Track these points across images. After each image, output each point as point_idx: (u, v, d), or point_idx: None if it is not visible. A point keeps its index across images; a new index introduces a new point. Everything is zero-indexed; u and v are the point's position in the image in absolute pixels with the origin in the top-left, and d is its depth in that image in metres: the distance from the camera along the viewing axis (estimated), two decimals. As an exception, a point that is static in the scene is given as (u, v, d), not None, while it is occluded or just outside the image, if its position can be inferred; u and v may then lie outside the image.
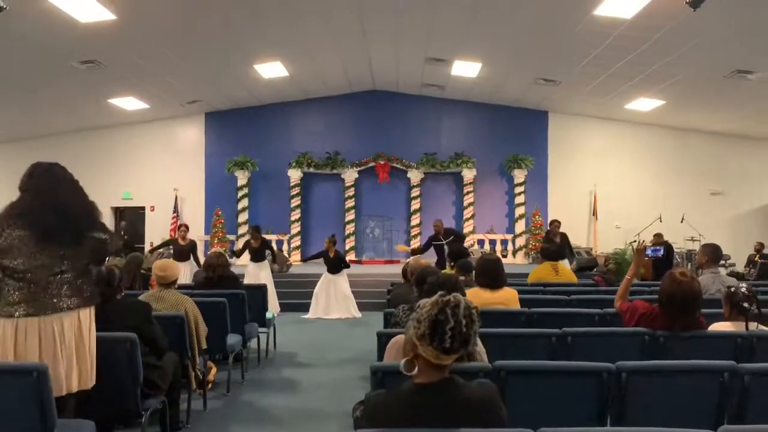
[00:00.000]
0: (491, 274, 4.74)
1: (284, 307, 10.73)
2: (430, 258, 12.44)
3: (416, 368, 1.97)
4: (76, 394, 3.31)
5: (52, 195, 3.21)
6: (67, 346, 3.19)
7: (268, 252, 10.60)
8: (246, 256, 10.62)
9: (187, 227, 10.97)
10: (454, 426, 1.92)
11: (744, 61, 10.99)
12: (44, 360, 3.07)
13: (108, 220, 16.32)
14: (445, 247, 10.24)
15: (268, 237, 15.46)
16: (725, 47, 10.38)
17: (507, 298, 4.64)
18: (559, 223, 10.29)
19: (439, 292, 2.02)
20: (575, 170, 16.78)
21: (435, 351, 1.92)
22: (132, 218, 16.84)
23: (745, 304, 3.62)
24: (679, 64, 11.34)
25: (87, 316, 3.32)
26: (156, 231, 16.63)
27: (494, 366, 2.78)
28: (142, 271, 7.05)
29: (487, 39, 11.75)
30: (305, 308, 11.05)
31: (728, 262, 13.86)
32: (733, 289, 3.74)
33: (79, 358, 3.25)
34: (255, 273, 10.33)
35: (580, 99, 15.18)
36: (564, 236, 10.16)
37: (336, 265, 10.66)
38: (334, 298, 10.60)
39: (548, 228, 10.83)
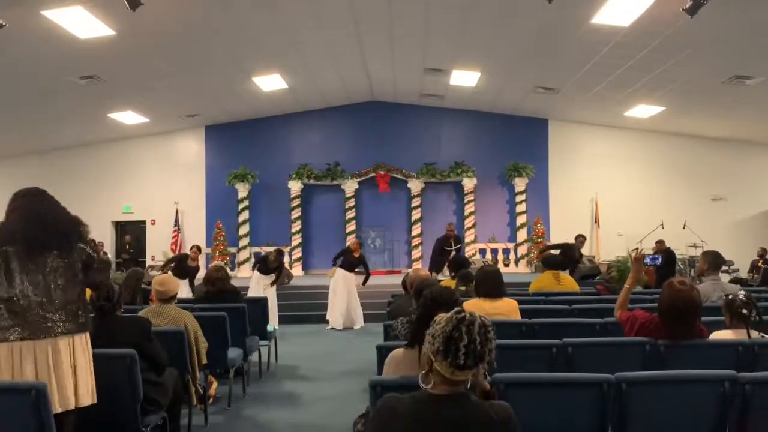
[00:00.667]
0: (491, 284, 4.74)
1: (284, 320, 10.70)
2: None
3: (432, 382, 2.00)
4: (75, 412, 3.31)
5: (37, 209, 3.29)
6: (64, 367, 3.20)
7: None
8: (248, 269, 10.60)
9: (199, 248, 10.91)
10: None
11: (742, 67, 11.00)
12: (41, 379, 3.09)
13: (109, 233, 16.38)
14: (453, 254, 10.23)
15: (269, 249, 15.49)
16: (723, 53, 10.40)
17: (507, 309, 4.63)
18: (584, 238, 10.29)
19: (455, 309, 2.04)
20: (576, 178, 16.77)
21: (449, 367, 1.94)
22: (133, 232, 16.84)
23: (744, 311, 3.60)
24: (677, 70, 11.36)
25: (82, 340, 3.34)
26: (157, 244, 16.64)
27: (494, 378, 2.77)
28: (142, 285, 7.03)
29: (485, 48, 11.79)
30: (306, 320, 11.06)
31: (731, 267, 13.81)
32: (731, 297, 3.72)
33: (77, 377, 3.26)
34: (259, 285, 10.31)
35: (580, 106, 15.20)
36: (581, 254, 10.20)
37: (356, 265, 10.74)
38: (348, 304, 10.66)
39: (575, 241, 10.84)
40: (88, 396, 3.32)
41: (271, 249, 14.55)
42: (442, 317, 2.03)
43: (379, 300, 11.05)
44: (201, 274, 10.14)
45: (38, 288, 3.19)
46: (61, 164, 16.41)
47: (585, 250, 15.86)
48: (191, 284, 10.31)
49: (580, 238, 10.39)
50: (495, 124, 16.89)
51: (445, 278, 8.20)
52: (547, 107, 15.76)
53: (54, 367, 3.17)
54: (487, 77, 13.65)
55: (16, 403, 2.86)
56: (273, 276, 10.33)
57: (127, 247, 15.95)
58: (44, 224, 3.25)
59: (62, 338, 3.21)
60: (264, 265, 10.46)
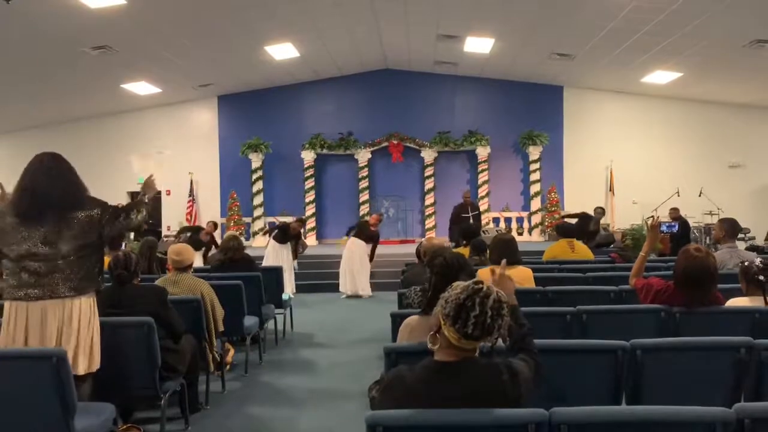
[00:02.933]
0: (505, 252, 4.72)
1: (299, 288, 10.79)
2: (445, 236, 12.44)
3: (438, 343, 2.02)
4: (92, 378, 3.38)
5: (32, 183, 3.33)
6: (67, 331, 3.27)
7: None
8: (262, 239, 10.69)
9: (215, 225, 11.00)
10: (468, 406, 1.94)
11: (763, 31, 10.72)
12: (46, 342, 3.20)
13: (124, 204, 16.46)
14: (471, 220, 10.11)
15: (283, 219, 15.57)
16: (743, 17, 10.14)
17: (521, 277, 4.62)
18: (603, 211, 10.21)
19: (473, 280, 2.06)
20: (591, 146, 16.58)
21: (456, 333, 1.96)
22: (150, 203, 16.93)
23: (761, 278, 3.57)
24: (696, 35, 11.11)
25: (88, 303, 3.38)
26: (172, 215, 16.77)
27: (507, 345, 2.78)
28: (158, 254, 7.09)
29: (500, 14, 11.59)
30: (320, 289, 11.16)
31: (748, 235, 13.69)
32: (747, 264, 3.69)
33: (82, 344, 3.31)
34: (275, 253, 10.38)
35: (596, 73, 14.96)
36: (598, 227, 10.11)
37: (371, 238, 10.80)
38: (357, 272, 10.71)
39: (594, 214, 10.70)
40: (92, 363, 3.37)
41: (285, 219, 14.72)
42: (459, 284, 2.04)
43: (392, 269, 11.10)
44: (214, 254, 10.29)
45: (38, 255, 3.24)
46: (75, 135, 16.45)
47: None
48: (204, 257, 10.44)
49: (599, 210, 10.28)
50: (509, 91, 16.68)
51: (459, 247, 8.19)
52: (563, 74, 15.52)
53: (61, 332, 3.25)
54: (501, 44, 13.45)
55: (37, 369, 2.91)
56: (289, 245, 10.43)
57: (146, 217, 16.04)
58: (33, 198, 3.29)
59: (66, 300, 3.27)
60: (282, 234, 10.51)
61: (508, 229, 15.85)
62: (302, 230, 10.61)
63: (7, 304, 3.28)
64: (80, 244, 3.32)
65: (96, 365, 3.38)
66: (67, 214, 3.30)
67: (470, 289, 1.99)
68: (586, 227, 10.45)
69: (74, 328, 3.27)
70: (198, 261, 9.90)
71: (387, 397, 2.07)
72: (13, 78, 12.60)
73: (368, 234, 10.84)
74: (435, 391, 1.98)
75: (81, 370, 3.27)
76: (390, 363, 2.74)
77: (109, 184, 15.68)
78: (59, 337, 3.23)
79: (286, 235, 10.49)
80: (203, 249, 10.55)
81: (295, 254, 10.51)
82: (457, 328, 1.95)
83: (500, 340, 2.09)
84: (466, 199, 10.58)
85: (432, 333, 2.04)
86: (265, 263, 9.88)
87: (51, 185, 3.31)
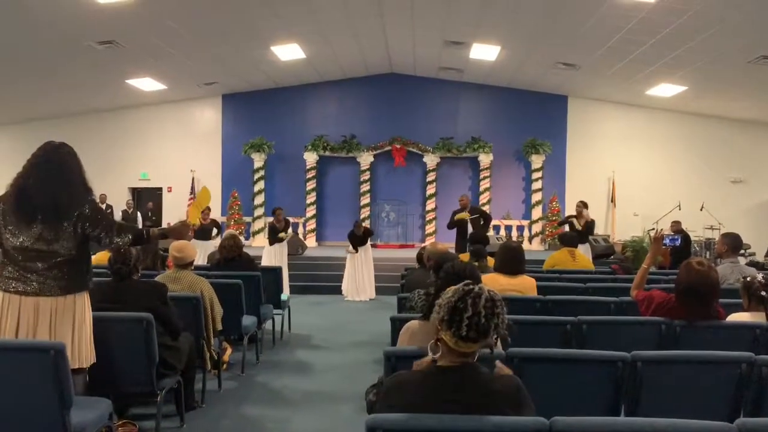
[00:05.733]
0: (511, 260, 4.71)
1: (297, 290, 10.79)
2: (449, 242, 12.42)
3: (440, 351, 2.02)
4: (86, 372, 3.37)
5: (25, 182, 3.27)
6: (60, 329, 3.24)
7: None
8: (262, 239, 10.74)
9: (209, 209, 11.12)
10: (468, 411, 1.93)
11: (769, 47, 10.76)
12: (39, 334, 3.18)
13: (126, 200, 16.47)
14: (470, 225, 9.87)
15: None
16: (750, 32, 10.15)
17: (524, 286, 4.61)
18: (583, 204, 10.11)
19: (464, 282, 2.05)
20: (594, 156, 16.59)
21: (453, 337, 1.95)
22: (150, 199, 16.92)
23: (763, 293, 3.56)
24: (702, 49, 11.13)
25: (82, 300, 3.36)
26: (173, 212, 16.74)
27: (508, 353, 2.77)
28: (159, 251, 7.08)
29: (507, 22, 11.61)
30: (318, 291, 11.17)
31: (748, 251, 13.67)
32: (749, 279, 3.68)
33: (76, 340, 3.29)
34: (272, 253, 10.44)
35: (601, 84, 14.97)
36: (586, 224, 10.00)
37: (364, 240, 10.90)
38: (361, 278, 10.77)
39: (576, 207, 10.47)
40: (84, 358, 3.34)
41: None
42: (451, 288, 2.04)
43: (392, 273, 11.11)
44: (216, 241, 10.32)
45: (29, 250, 3.22)
46: (79, 130, 16.43)
47: (600, 230, 15.81)
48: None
49: (579, 205, 10.00)
50: (513, 99, 16.70)
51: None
52: (567, 84, 15.54)
53: (36, 325, 3.22)
54: (507, 52, 13.47)
55: (35, 362, 2.90)
56: (286, 245, 10.50)
57: (149, 214, 16.07)
58: (26, 198, 3.24)
59: (56, 298, 3.23)
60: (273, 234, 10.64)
61: (509, 236, 15.84)
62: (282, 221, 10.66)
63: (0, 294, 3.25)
64: (71, 244, 3.27)
65: (88, 361, 3.36)
66: (56, 216, 3.23)
67: (461, 291, 1.99)
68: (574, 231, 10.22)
69: (67, 326, 3.24)
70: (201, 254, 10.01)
71: (387, 401, 2.06)
72: (19, 70, 12.59)
73: (366, 230, 11.05)
74: (435, 397, 1.97)
75: (73, 364, 3.24)
76: (389, 366, 2.73)
77: (113, 180, 15.72)
78: (52, 334, 3.21)
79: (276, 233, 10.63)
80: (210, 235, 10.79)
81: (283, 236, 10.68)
82: (452, 332, 1.94)
83: (500, 346, 2.08)
84: (462, 203, 10.33)
85: (433, 341, 2.04)
86: (263, 263, 9.88)
87: (42, 187, 3.23)
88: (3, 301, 3.22)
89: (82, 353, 3.33)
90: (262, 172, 16.45)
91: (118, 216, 14.16)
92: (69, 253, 3.26)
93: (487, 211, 15.93)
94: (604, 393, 2.84)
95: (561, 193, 16.49)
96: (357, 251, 10.78)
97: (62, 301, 3.24)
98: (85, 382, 3.43)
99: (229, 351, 5.87)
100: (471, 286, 2.00)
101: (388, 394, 2.08)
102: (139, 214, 15.28)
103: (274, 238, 10.57)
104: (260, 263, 8.98)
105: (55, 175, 3.27)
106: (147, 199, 16.88)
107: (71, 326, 3.27)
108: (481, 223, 10.06)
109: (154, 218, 16.05)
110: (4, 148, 16.19)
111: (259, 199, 16.35)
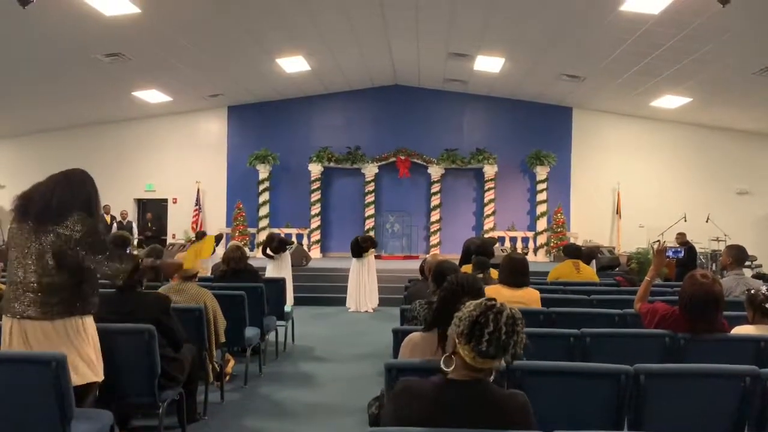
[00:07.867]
0: (515, 272, 4.68)
1: (301, 301, 10.75)
2: (450, 253, 12.42)
3: (453, 365, 2.00)
4: (95, 387, 3.35)
5: (29, 190, 3.26)
6: (62, 344, 3.16)
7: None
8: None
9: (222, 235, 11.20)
10: (474, 426, 1.93)
11: (774, 58, 10.75)
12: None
13: (131, 211, 16.52)
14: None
15: (288, 231, 15.58)
16: (755, 44, 10.16)
17: (527, 298, 4.58)
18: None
19: (485, 297, 2.05)
20: (599, 167, 16.57)
21: (471, 352, 1.94)
22: (155, 210, 16.98)
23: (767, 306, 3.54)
24: (707, 61, 11.13)
25: (89, 322, 3.29)
26: (178, 223, 16.81)
27: (510, 366, 2.75)
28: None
29: (511, 34, 11.64)
30: (323, 302, 11.14)
31: (754, 263, 13.61)
32: (753, 292, 3.66)
33: (81, 355, 3.22)
34: (275, 265, 10.39)
35: (605, 95, 14.98)
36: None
37: (365, 250, 10.85)
38: (364, 289, 10.76)
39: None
40: (91, 373, 3.26)
41: (290, 231, 14.92)
42: (472, 302, 2.03)
43: (395, 285, 11.08)
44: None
45: (24, 269, 3.15)
46: (85, 141, 16.56)
47: (605, 241, 15.77)
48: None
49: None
50: (518, 111, 16.73)
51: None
52: (572, 95, 15.55)
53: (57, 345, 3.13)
54: (511, 63, 13.50)
55: (37, 374, 2.90)
56: (289, 256, 10.47)
57: (149, 224, 16.10)
58: (26, 207, 3.20)
59: (59, 321, 3.14)
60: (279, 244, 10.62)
61: (513, 248, 15.80)
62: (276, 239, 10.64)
63: (4, 317, 3.21)
64: (68, 263, 3.14)
65: (95, 377, 3.29)
66: (47, 227, 3.13)
67: (483, 306, 1.97)
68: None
69: (72, 346, 3.17)
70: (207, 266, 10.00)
71: (395, 404, 2.05)
72: (26, 82, 12.69)
73: (372, 241, 11.04)
74: (444, 410, 1.97)
75: (79, 380, 3.17)
76: (391, 379, 2.72)
77: (118, 191, 15.76)
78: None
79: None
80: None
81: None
82: (472, 346, 1.93)
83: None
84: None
85: (447, 355, 2.03)
86: (267, 275, 9.86)
87: (44, 190, 3.19)
88: (5, 324, 3.17)
89: (91, 368, 3.26)
90: (267, 184, 16.49)
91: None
92: (66, 279, 3.16)
93: (492, 223, 15.97)
94: (607, 407, 2.81)
95: (566, 205, 16.46)
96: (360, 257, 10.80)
97: (61, 324, 3.15)
98: (95, 396, 3.39)
99: (231, 363, 5.87)
100: (493, 302, 1.99)
101: (396, 398, 2.08)
102: (134, 224, 15.24)
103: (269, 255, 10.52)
104: (264, 275, 8.98)
105: (60, 182, 3.25)
106: (152, 210, 16.89)
107: (75, 348, 3.19)
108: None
109: (154, 228, 16.06)
110: (11, 159, 16.29)
111: (264, 211, 16.37)
